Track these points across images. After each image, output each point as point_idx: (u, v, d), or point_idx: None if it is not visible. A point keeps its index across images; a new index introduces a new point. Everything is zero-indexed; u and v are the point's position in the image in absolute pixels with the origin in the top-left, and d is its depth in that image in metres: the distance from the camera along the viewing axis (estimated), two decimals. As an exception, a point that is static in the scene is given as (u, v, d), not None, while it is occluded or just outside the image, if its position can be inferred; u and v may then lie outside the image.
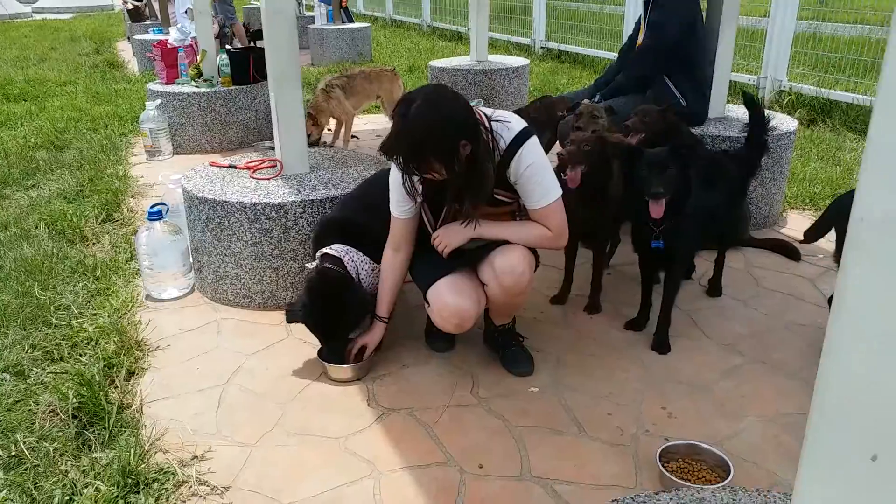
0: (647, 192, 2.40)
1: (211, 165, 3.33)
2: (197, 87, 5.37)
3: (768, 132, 3.00)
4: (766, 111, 3.04)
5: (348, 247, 2.50)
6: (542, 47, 10.17)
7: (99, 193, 4.27)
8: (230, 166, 3.29)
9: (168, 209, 3.13)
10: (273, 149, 5.17)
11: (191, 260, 3.16)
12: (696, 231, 2.63)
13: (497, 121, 2.22)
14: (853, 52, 6.87)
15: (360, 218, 2.59)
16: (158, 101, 5.18)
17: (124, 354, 2.59)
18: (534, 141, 2.22)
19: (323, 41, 10.01)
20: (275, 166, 3.22)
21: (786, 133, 3.76)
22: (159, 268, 3.07)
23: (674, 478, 1.90)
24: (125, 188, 4.42)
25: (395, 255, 2.43)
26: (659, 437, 2.14)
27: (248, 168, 3.24)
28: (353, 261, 2.48)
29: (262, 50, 5.60)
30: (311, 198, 2.87)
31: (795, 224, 3.93)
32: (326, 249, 2.48)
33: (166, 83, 5.51)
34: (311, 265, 2.53)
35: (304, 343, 2.71)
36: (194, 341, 2.76)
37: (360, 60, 9.99)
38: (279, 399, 2.38)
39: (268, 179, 3.09)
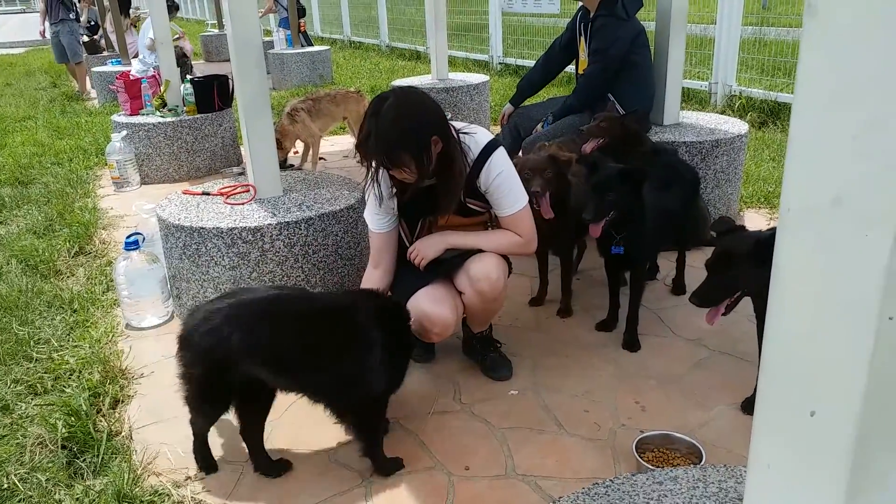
0: (584, 215, 2.54)
1: (184, 193, 3.38)
2: (162, 116, 5.40)
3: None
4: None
5: None
6: (500, 63, 10.38)
7: (69, 227, 4.27)
8: (203, 193, 3.34)
9: (144, 238, 3.17)
10: (243, 174, 5.26)
11: (169, 287, 3.20)
12: (654, 235, 2.76)
13: (465, 133, 2.34)
14: (796, 56, 7.18)
15: None
16: (124, 133, 5.20)
17: (109, 383, 2.62)
18: (501, 151, 2.34)
19: (283, 66, 10.09)
20: (248, 191, 3.29)
21: (737, 136, 3.94)
22: (138, 297, 3.11)
23: (650, 466, 2.01)
24: (95, 220, 4.43)
25: (374, 271, 2.50)
26: (634, 430, 2.25)
27: (222, 194, 3.30)
28: None
29: (225, 77, 5.68)
30: (286, 220, 2.94)
31: (753, 222, 4.11)
32: None
33: (131, 114, 5.53)
34: None
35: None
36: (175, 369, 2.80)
37: (322, 83, 10.08)
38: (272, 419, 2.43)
39: (242, 204, 3.15)
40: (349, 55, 13.91)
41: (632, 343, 2.76)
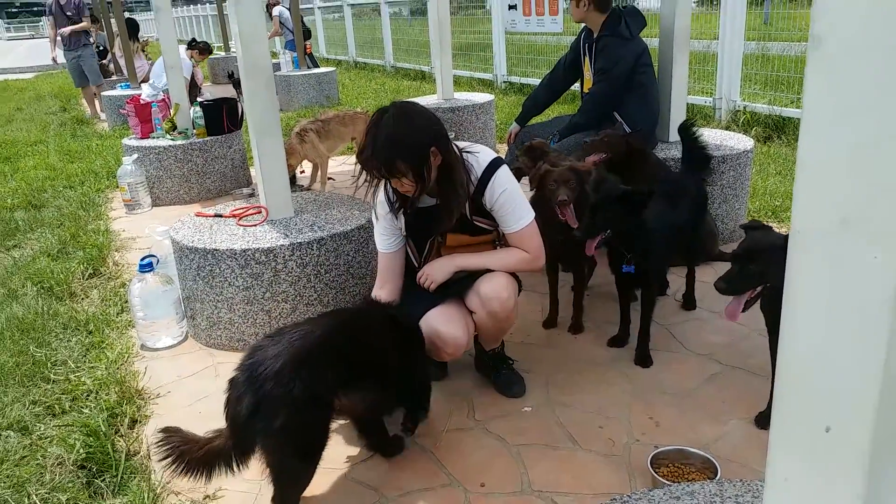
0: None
1: (197, 216, 3.43)
2: (173, 140, 5.48)
3: (704, 154, 3.21)
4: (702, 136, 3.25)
5: None
6: (504, 81, 10.47)
7: (83, 249, 4.33)
8: (216, 215, 3.39)
9: (158, 260, 3.21)
10: (253, 195, 5.32)
11: (183, 308, 3.24)
12: (663, 253, 2.79)
13: (468, 152, 2.38)
14: (799, 70, 7.24)
15: None
16: (135, 156, 5.27)
17: (126, 404, 2.65)
18: (505, 169, 2.38)
19: (290, 87, 10.20)
20: (260, 212, 3.33)
21: (743, 151, 3.97)
22: (153, 318, 3.14)
23: (666, 482, 2.02)
24: (108, 242, 4.48)
25: (379, 291, 2.51)
26: (649, 445, 2.26)
27: (234, 216, 3.35)
28: None
29: (234, 101, 5.75)
30: (298, 241, 2.98)
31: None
32: None
33: (141, 138, 5.61)
34: None
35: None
36: (193, 387, 2.83)
37: (329, 104, 10.18)
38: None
39: (254, 226, 3.19)
40: (354, 76, 14.06)
41: (644, 358, 2.77)
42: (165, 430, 1.91)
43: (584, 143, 3.42)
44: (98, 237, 4.53)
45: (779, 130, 6.45)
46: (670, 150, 4.01)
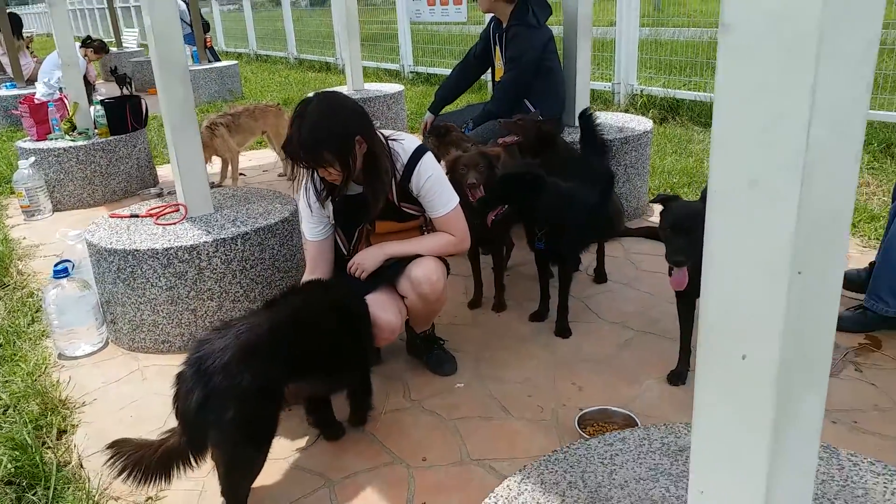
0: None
1: (112, 217, 3.33)
2: (73, 140, 5.24)
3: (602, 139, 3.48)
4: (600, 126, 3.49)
5: None
6: (411, 72, 10.54)
7: (-19, 260, 4.11)
8: (132, 216, 3.31)
9: (74, 265, 3.11)
10: (161, 194, 5.18)
11: (101, 313, 3.15)
12: (575, 230, 2.95)
13: (393, 140, 2.46)
14: (689, 54, 7.69)
15: None
16: (32, 159, 5.02)
17: (51, 414, 2.58)
18: (430, 155, 2.47)
19: (192, 82, 9.86)
20: (178, 210, 3.28)
21: (643, 133, 4.22)
22: (70, 325, 3.04)
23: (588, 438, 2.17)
24: (10, 252, 4.27)
25: (311, 277, 2.54)
26: (574, 409, 2.42)
27: (151, 215, 3.28)
28: None
29: (137, 98, 5.56)
30: (222, 237, 2.96)
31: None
32: None
33: (38, 139, 5.33)
34: None
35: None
36: (121, 392, 2.78)
37: (232, 98, 9.95)
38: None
39: (174, 224, 3.14)
40: (257, 69, 13.75)
41: (564, 330, 2.94)
42: (114, 443, 1.88)
43: (500, 123, 3.56)
44: (-2, 246, 4.31)
45: (673, 112, 6.84)
46: (576, 134, 4.20)
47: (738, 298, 0.89)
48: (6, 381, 2.84)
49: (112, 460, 1.83)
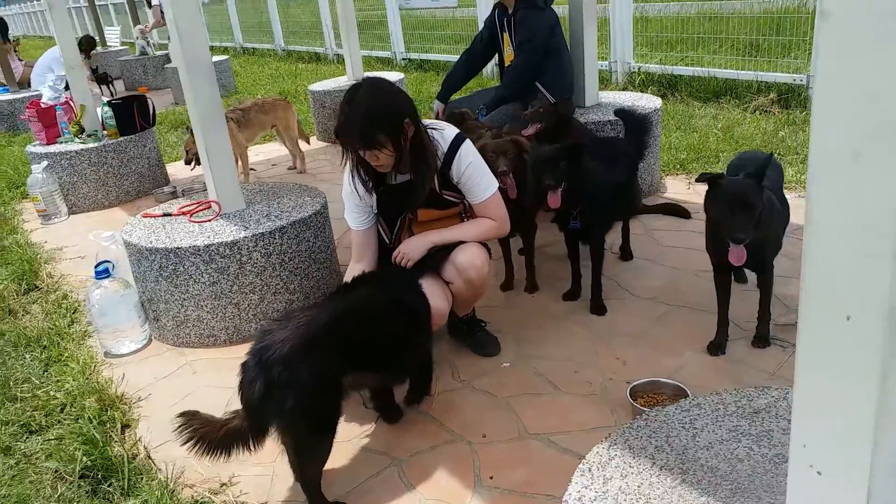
0: (542, 184, 2.79)
1: (144, 217, 3.38)
2: (83, 143, 5.26)
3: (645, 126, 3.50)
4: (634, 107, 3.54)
5: None
6: (403, 59, 10.55)
7: (6, 266, 4.14)
8: (164, 215, 3.36)
9: (114, 266, 3.16)
10: (174, 192, 5.21)
11: (143, 311, 3.21)
12: (606, 208, 3.04)
13: (433, 128, 2.53)
14: (678, 31, 7.76)
15: None
16: (45, 163, 5.03)
17: (111, 409, 2.64)
18: (468, 143, 2.54)
19: (184, 78, 9.84)
20: (209, 207, 3.34)
21: (654, 110, 4.30)
22: (114, 324, 3.10)
23: (643, 408, 2.28)
24: (36, 256, 4.30)
25: (357, 265, 2.62)
26: (621, 382, 2.52)
27: (184, 214, 3.33)
28: None
29: (144, 97, 5.58)
30: (260, 231, 3.02)
31: (674, 188, 4.50)
32: None
33: (48, 143, 5.34)
34: None
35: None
36: (173, 386, 2.85)
37: (226, 93, 9.92)
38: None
39: (209, 221, 3.20)
40: (245, 62, 13.68)
41: (599, 307, 3.03)
42: (184, 414, 1.97)
43: (524, 115, 3.62)
44: (23, 251, 4.33)
45: (672, 88, 6.91)
46: (588, 115, 4.28)
47: (841, 262, 0.97)
48: (58, 381, 2.91)
49: (181, 429, 1.93)
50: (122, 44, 16.08)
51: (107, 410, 2.64)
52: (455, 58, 9.55)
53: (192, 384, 2.85)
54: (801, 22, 6.62)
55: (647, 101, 4.48)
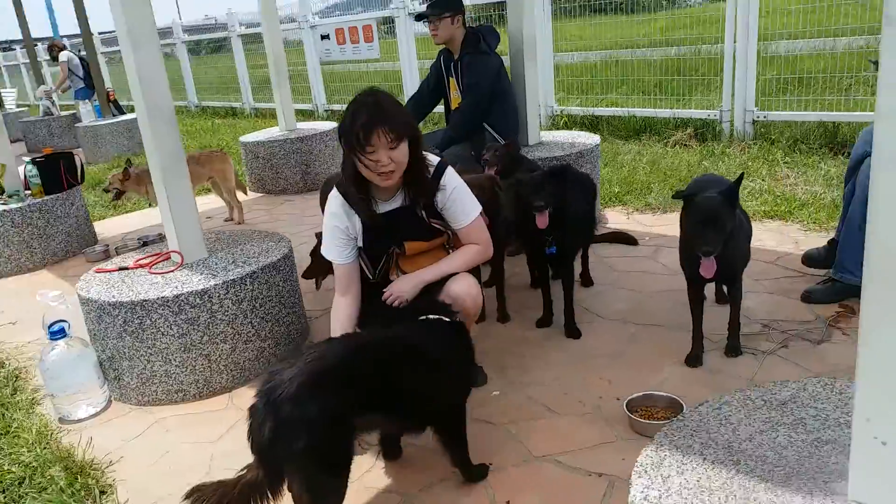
0: (532, 206, 2.88)
1: (98, 272, 3.22)
2: (4, 203, 4.95)
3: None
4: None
5: None
6: (326, 110, 10.59)
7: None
8: (121, 269, 3.21)
9: (69, 325, 2.97)
10: (106, 251, 4.97)
11: (102, 371, 3.02)
12: (577, 233, 3.16)
13: None
14: (588, 75, 8.20)
15: None
16: (-37, 227, 4.70)
17: (81, 477, 2.45)
18: (451, 169, 2.57)
19: (97, 138, 9.51)
20: (169, 258, 3.21)
21: (594, 146, 4.51)
22: (72, 387, 2.91)
23: (644, 421, 2.33)
24: (-40, 325, 3.99)
25: (343, 298, 2.55)
26: (611, 399, 2.57)
27: (142, 266, 3.19)
28: None
29: (70, 154, 5.35)
30: (231, 278, 2.93)
31: (614, 219, 4.69)
32: None
33: (-35, 206, 4.99)
34: None
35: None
36: (147, 446, 2.68)
37: (142, 152, 9.61)
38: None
39: (172, 272, 3.08)
40: (157, 120, 13.31)
41: (574, 331, 3.11)
42: (192, 491, 1.85)
43: (484, 160, 3.72)
44: (-53, 321, 4.01)
45: (594, 128, 7.27)
46: (534, 153, 4.44)
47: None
48: (11, 454, 2.68)
49: None
50: (19, 105, 15.40)
51: (77, 478, 2.45)
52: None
53: (166, 442, 2.69)
54: (701, 64, 7.18)
55: (586, 139, 4.69)
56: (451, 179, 2.53)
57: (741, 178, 2.53)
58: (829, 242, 3.33)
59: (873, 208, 1.08)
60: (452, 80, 4.43)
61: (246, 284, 2.97)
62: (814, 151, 5.56)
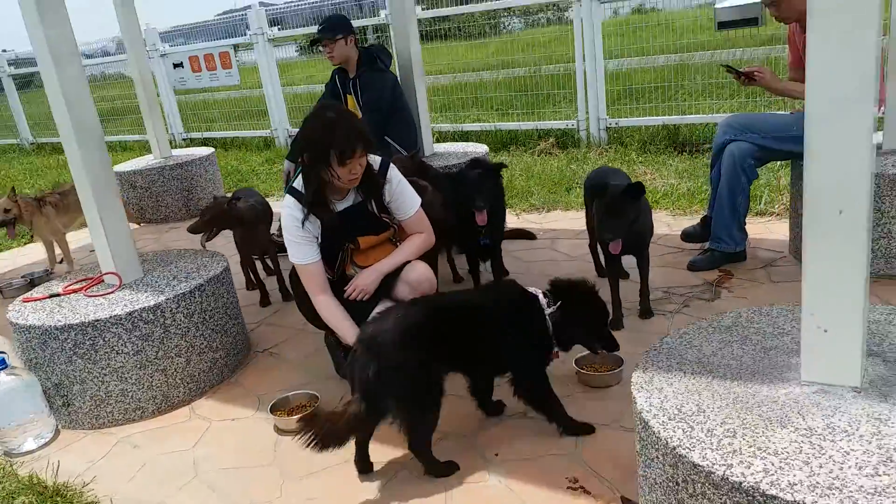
0: (474, 205, 3.21)
1: (26, 301, 3.10)
2: None
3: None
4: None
5: None
6: (184, 139, 10.30)
7: None
8: (52, 296, 3.11)
9: (8, 355, 2.85)
10: (32, 282, 4.65)
11: (47, 400, 2.92)
12: (502, 226, 3.52)
13: None
14: (452, 95, 8.76)
15: None
16: None
17: (58, 498, 2.41)
18: (392, 165, 2.83)
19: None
20: (101, 282, 3.17)
21: (484, 154, 4.93)
22: (18, 418, 2.80)
23: (587, 372, 2.73)
24: None
25: (325, 296, 2.71)
26: (559, 363, 2.92)
27: (75, 291, 3.12)
28: None
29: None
30: (180, 291, 2.97)
31: (512, 220, 5.12)
32: None
33: None
34: None
35: (231, 421, 2.84)
36: (118, 464, 2.66)
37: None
38: (263, 464, 2.53)
39: (111, 293, 3.04)
40: (-17, 160, 12.18)
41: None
42: (306, 422, 2.12)
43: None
44: None
45: (464, 140, 7.76)
46: (434, 161, 4.76)
47: (836, 169, 1.49)
48: (-40, 495, 2.55)
49: (308, 437, 2.09)
50: None
51: (58, 501, 2.40)
52: (245, 133, 9.67)
53: (141, 457, 2.68)
54: (555, 81, 7.95)
55: (474, 149, 5.10)
56: (395, 174, 2.79)
57: (639, 184, 2.99)
58: (701, 220, 3.95)
59: (811, 149, 1.50)
60: (351, 98, 4.65)
61: (196, 297, 3.01)
62: (661, 151, 6.38)
